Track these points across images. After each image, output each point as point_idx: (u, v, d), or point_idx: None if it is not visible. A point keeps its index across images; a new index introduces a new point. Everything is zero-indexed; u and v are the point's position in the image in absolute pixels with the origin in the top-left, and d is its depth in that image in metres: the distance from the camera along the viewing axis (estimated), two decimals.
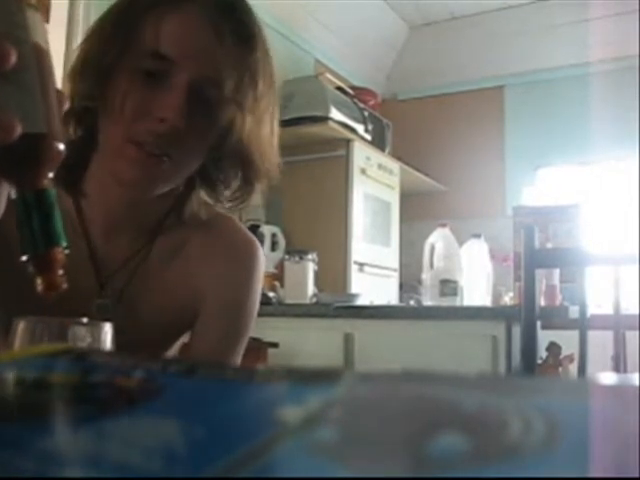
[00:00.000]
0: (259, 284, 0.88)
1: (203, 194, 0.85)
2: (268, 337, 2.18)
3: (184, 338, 0.89)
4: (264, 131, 0.78)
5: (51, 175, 0.48)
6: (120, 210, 0.80)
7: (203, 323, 0.84)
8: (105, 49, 0.73)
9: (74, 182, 0.79)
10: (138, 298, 0.82)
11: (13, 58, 0.45)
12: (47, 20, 2.59)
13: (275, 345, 2.20)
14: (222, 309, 0.85)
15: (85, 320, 0.53)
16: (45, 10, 2.60)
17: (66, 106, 0.50)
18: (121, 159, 0.73)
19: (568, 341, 1.93)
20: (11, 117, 0.44)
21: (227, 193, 0.83)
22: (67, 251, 0.48)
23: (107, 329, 0.55)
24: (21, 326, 0.51)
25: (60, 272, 0.47)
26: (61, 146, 0.48)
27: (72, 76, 0.75)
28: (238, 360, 0.86)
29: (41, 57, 0.48)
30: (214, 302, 0.84)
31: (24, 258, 0.47)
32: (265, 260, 0.87)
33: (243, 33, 0.75)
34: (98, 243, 0.81)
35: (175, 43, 0.72)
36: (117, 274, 0.81)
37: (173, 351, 0.89)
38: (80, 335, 0.52)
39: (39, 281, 0.47)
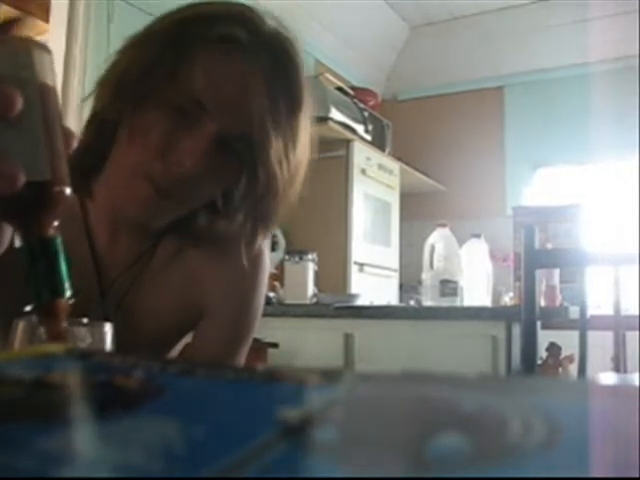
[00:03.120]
0: (263, 287, 0.88)
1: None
2: (268, 337, 2.18)
3: (186, 339, 0.89)
4: (285, 194, 0.78)
5: (57, 223, 0.46)
6: (124, 216, 0.78)
7: (206, 325, 0.84)
8: (144, 73, 0.70)
9: (84, 182, 0.78)
10: (140, 302, 0.81)
11: (18, 105, 0.43)
12: (47, 20, 2.59)
13: (275, 345, 2.20)
14: (226, 312, 0.84)
15: (85, 320, 0.53)
16: (45, 10, 2.60)
17: (74, 145, 0.48)
18: (129, 192, 0.72)
19: (568, 341, 1.93)
20: (14, 166, 0.42)
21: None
22: (72, 301, 0.47)
23: (107, 329, 0.55)
24: (21, 326, 0.51)
25: (64, 323, 0.46)
26: (67, 190, 0.46)
27: (103, 86, 0.74)
28: (242, 361, 0.86)
29: (47, 97, 0.46)
30: (218, 304, 0.84)
31: (28, 308, 0.47)
32: (270, 263, 0.87)
33: (288, 101, 0.74)
34: (102, 245, 0.80)
35: (214, 93, 0.70)
36: (119, 277, 0.81)
37: (174, 353, 0.89)
38: (80, 335, 0.52)
39: (42, 330, 0.47)
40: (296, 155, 0.76)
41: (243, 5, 0.76)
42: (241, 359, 0.86)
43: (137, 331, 0.80)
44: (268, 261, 0.87)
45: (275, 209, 0.79)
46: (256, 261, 0.86)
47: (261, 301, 0.88)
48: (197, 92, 0.69)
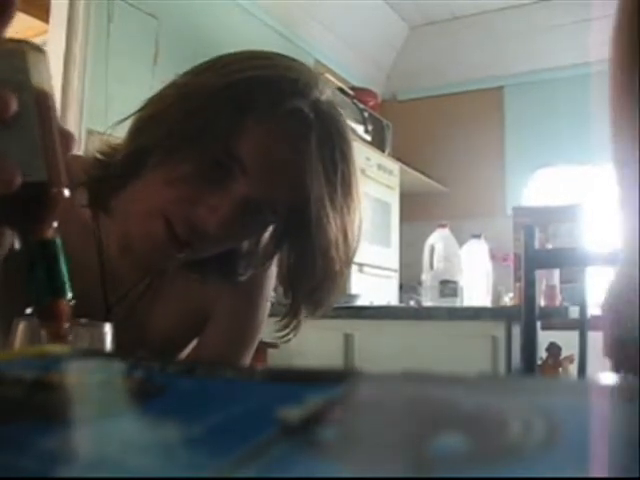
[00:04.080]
0: (268, 293, 0.87)
1: None
2: (268, 337, 2.18)
3: (191, 345, 0.89)
4: (342, 275, 0.73)
5: (56, 224, 0.46)
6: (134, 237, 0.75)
7: (210, 331, 0.84)
8: (200, 122, 0.67)
9: (103, 197, 0.75)
10: (145, 316, 0.81)
11: (13, 107, 0.43)
12: (47, 20, 2.59)
13: (275, 345, 2.19)
14: (230, 318, 0.84)
15: (85, 320, 0.53)
16: (45, 10, 2.60)
17: (74, 147, 0.47)
18: (143, 228, 0.69)
19: (568, 341, 1.93)
20: (10, 166, 0.42)
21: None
22: (72, 302, 0.47)
23: (107, 329, 0.55)
24: (21, 326, 0.51)
25: (66, 324, 0.46)
26: (66, 192, 0.46)
27: (143, 117, 0.71)
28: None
29: (43, 101, 0.46)
30: (222, 311, 0.84)
31: (29, 310, 0.47)
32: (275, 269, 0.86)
33: (343, 177, 0.70)
34: (111, 260, 0.77)
35: (257, 154, 0.67)
36: (128, 293, 0.80)
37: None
38: (80, 335, 0.52)
39: (44, 332, 0.47)
40: (353, 234, 0.72)
41: (306, 71, 0.72)
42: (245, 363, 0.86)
43: (143, 343, 0.79)
44: (274, 268, 0.84)
45: (328, 294, 0.75)
46: (262, 270, 0.84)
47: (266, 308, 0.87)
48: (240, 149, 0.66)
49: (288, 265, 0.75)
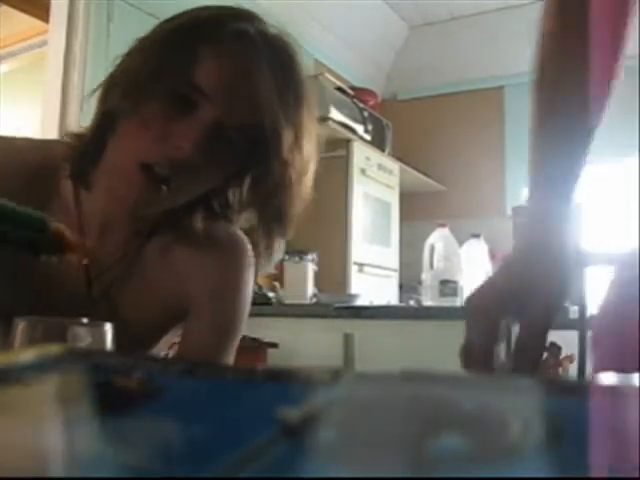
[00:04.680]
0: (249, 281, 0.88)
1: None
2: (268, 337, 2.18)
3: (172, 334, 0.89)
4: (299, 189, 0.80)
5: None
6: (120, 212, 0.80)
7: (193, 324, 0.85)
8: (154, 74, 0.73)
9: (82, 173, 0.80)
10: (125, 295, 0.83)
11: None
12: (47, 20, 2.59)
13: (275, 345, 2.19)
14: (211, 310, 0.85)
15: (85, 320, 0.53)
16: (45, 10, 2.60)
17: None
18: (123, 176, 0.73)
19: (568, 341, 1.93)
20: None
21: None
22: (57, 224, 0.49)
23: (107, 329, 0.55)
24: (21, 326, 0.51)
25: (72, 238, 0.48)
26: None
27: (112, 87, 0.76)
28: (231, 359, 0.86)
29: None
30: (203, 300, 0.85)
31: (43, 258, 0.48)
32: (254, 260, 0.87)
33: (294, 94, 0.77)
34: (92, 238, 0.81)
35: (215, 78, 0.72)
36: (107, 271, 0.82)
37: (160, 348, 0.89)
38: (80, 335, 0.52)
39: (67, 258, 0.48)
40: (306, 148, 0.78)
41: (248, 9, 0.80)
42: (229, 358, 0.86)
43: (121, 323, 0.79)
44: (252, 258, 0.87)
45: (290, 204, 0.79)
46: (239, 257, 0.86)
47: (247, 299, 0.88)
48: (198, 78, 0.72)
49: (252, 186, 0.81)
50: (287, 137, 0.75)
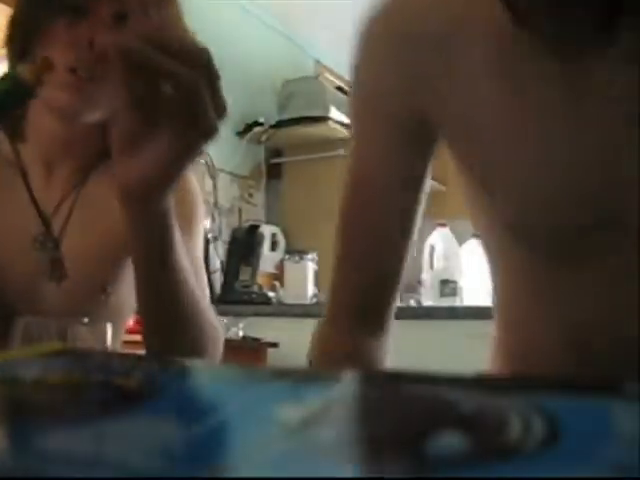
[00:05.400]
0: (197, 191, 0.93)
1: None
2: (268, 337, 2.18)
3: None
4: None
5: None
6: (56, 150, 0.86)
7: None
8: (31, 6, 0.80)
9: (14, 127, 0.86)
10: (80, 230, 0.87)
11: None
12: None
13: (275, 345, 2.19)
14: None
15: (85, 320, 0.53)
16: None
17: None
18: (54, 85, 0.77)
19: None
20: None
21: None
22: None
23: (107, 329, 0.55)
24: (21, 326, 0.51)
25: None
26: None
27: (8, 41, 0.83)
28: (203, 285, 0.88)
29: None
30: None
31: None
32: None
33: None
34: (37, 185, 0.87)
35: None
36: (58, 211, 0.87)
37: (123, 282, 0.92)
38: (80, 335, 0.52)
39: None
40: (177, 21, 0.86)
41: None
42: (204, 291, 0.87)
43: (81, 257, 0.86)
44: (198, 188, 0.92)
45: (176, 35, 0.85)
46: (188, 188, 0.90)
47: (199, 201, 0.93)
48: None
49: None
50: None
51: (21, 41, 0.81)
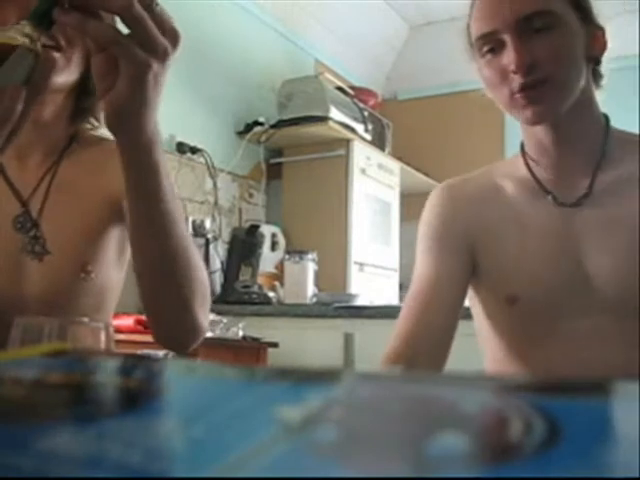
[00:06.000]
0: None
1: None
2: (268, 337, 2.18)
3: (116, 232, 0.96)
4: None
5: None
6: (28, 135, 0.87)
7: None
8: None
9: None
10: (58, 211, 0.91)
11: None
12: None
13: (275, 345, 2.19)
14: None
15: (85, 320, 0.53)
16: None
17: None
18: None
19: None
20: None
21: None
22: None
23: (107, 328, 0.55)
24: (21, 326, 0.51)
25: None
26: None
27: None
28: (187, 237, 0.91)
29: None
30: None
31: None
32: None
33: None
34: (13, 171, 0.91)
35: None
36: (35, 194, 0.91)
37: (104, 263, 0.94)
38: (80, 335, 0.52)
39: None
40: None
41: None
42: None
43: (60, 235, 0.90)
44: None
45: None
46: None
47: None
48: None
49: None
50: None
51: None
